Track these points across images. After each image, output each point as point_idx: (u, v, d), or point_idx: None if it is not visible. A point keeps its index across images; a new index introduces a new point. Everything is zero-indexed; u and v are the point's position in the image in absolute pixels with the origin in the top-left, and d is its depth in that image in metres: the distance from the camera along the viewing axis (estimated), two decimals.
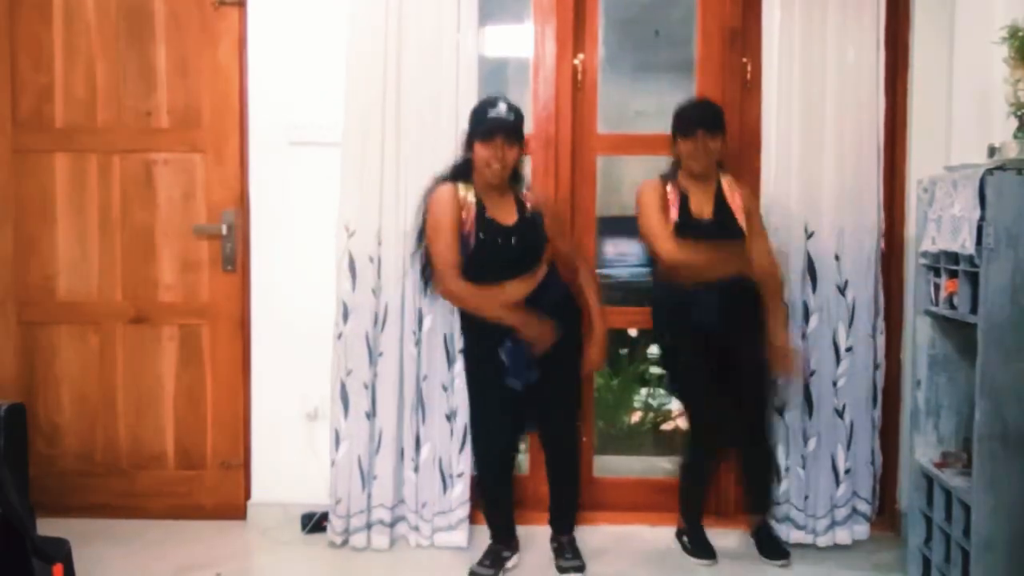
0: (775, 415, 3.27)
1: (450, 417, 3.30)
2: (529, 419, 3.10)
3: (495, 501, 3.16)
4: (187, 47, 3.48)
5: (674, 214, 3.08)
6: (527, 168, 3.08)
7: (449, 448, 3.31)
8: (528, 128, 3.47)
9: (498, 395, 2.98)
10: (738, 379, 3.12)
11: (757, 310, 3.12)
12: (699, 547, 3.25)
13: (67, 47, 3.49)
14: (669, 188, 3.12)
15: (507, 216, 2.94)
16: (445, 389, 3.29)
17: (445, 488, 3.32)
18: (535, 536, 3.29)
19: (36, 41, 3.49)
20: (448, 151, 3.21)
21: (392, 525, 3.33)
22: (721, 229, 3.08)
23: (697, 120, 3.08)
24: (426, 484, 3.30)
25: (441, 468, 3.32)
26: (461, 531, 3.30)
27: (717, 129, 3.08)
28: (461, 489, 3.31)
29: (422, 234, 2.96)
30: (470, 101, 3.18)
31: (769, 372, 3.16)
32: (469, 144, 2.90)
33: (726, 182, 3.15)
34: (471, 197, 2.91)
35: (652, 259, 3.15)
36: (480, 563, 3.09)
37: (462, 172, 2.95)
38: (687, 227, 3.07)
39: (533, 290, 2.94)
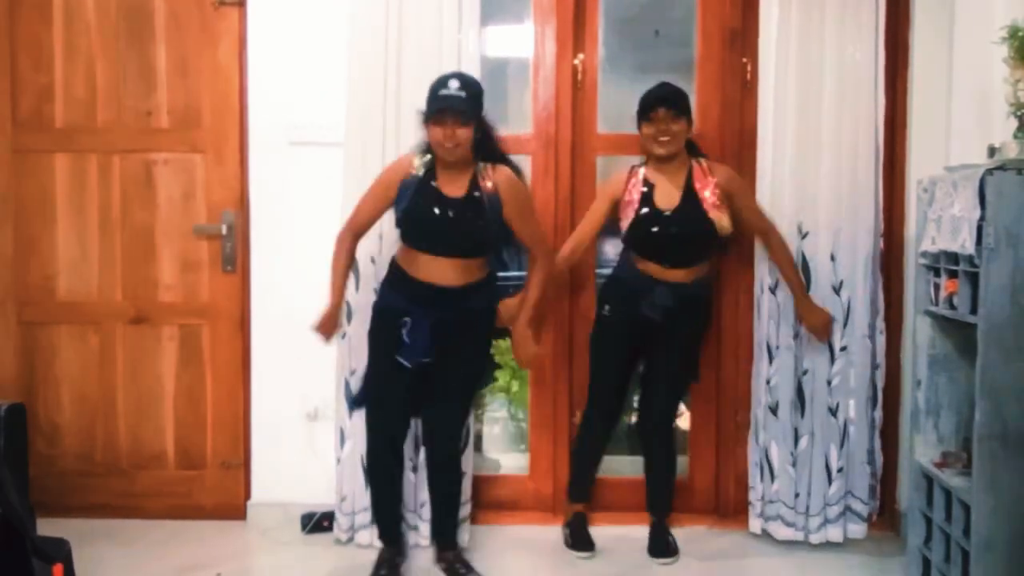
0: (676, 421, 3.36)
1: None
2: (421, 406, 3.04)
3: (380, 490, 3.08)
4: (187, 47, 3.48)
5: (632, 206, 3.09)
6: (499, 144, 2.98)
7: None
8: (528, 128, 3.49)
9: (394, 371, 2.91)
10: (657, 375, 3.24)
11: (700, 330, 3.26)
12: (579, 539, 3.28)
13: (67, 47, 3.49)
14: (632, 181, 3.11)
15: (454, 190, 2.86)
16: None
17: None
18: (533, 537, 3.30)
19: (36, 41, 3.49)
20: None
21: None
22: (684, 221, 3.06)
23: (657, 99, 3.05)
24: (424, 483, 3.28)
25: None
26: (463, 530, 3.28)
27: (679, 109, 3.05)
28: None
29: None
30: None
31: (683, 380, 3.29)
32: (425, 124, 2.84)
33: (699, 167, 3.12)
34: (421, 164, 2.89)
35: (624, 245, 3.21)
36: (375, 570, 3.04)
37: (429, 148, 2.91)
38: (649, 220, 3.07)
39: (465, 285, 2.89)
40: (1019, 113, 2.54)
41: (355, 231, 2.97)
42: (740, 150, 3.45)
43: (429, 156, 2.90)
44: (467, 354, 2.98)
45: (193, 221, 3.52)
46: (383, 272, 3.18)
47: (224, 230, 3.49)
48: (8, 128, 3.50)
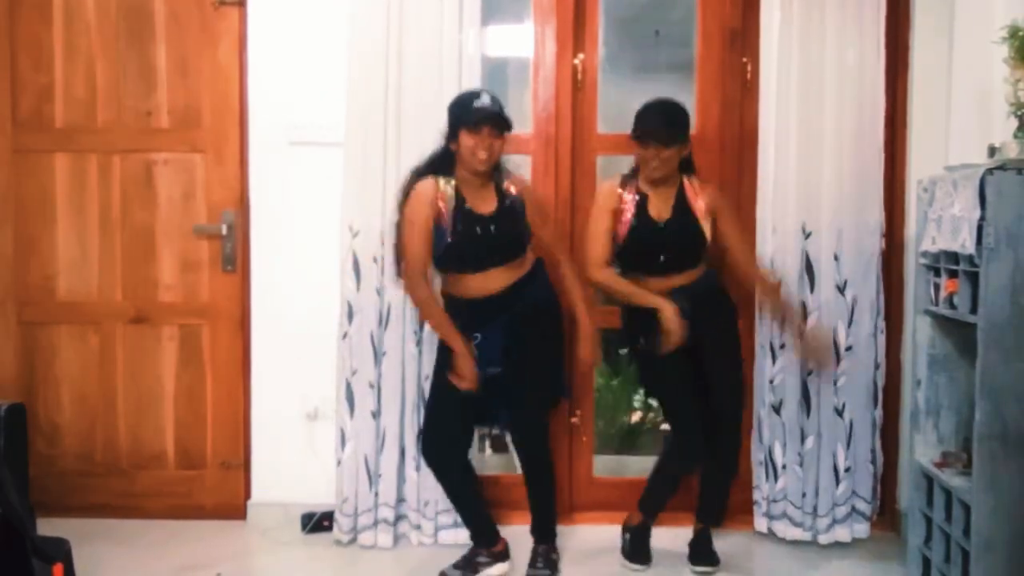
0: (740, 429, 3.18)
1: None
2: (487, 419, 3.10)
3: (457, 498, 3.12)
4: (187, 47, 3.48)
5: (627, 219, 3.02)
6: (518, 165, 3.10)
7: None
8: (528, 128, 3.49)
9: (456, 392, 2.94)
10: (710, 389, 3.08)
11: (731, 317, 3.15)
12: (637, 551, 3.20)
13: (67, 47, 3.49)
14: (626, 192, 3.05)
15: (486, 205, 2.92)
16: None
17: None
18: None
19: (36, 41, 3.49)
20: None
21: (396, 523, 3.33)
22: (679, 232, 3.02)
23: (650, 133, 2.97)
24: (428, 483, 3.28)
25: None
26: (464, 529, 3.30)
27: (673, 141, 2.97)
28: None
29: (399, 228, 2.96)
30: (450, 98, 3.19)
31: (741, 385, 3.16)
32: (453, 133, 2.87)
33: (689, 184, 3.07)
34: (450, 190, 2.90)
35: (621, 253, 3.08)
36: (453, 565, 3.07)
37: (442, 164, 2.93)
38: (643, 231, 3.02)
39: (516, 282, 2.94)
40: (1019, 113, 2.54)
41: (422, 270, 2.94)
42: (740, 150, 3.45)
43: (452, 179, 2.91)
44: (537, 356, 3.00)
45: (193, 221, 3.52)
46: (386, 271, 3.19)
47: (224, 230, 3.49)
48: (8, 128, 3.50)
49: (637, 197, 3.04)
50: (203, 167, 3.51)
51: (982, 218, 2.44)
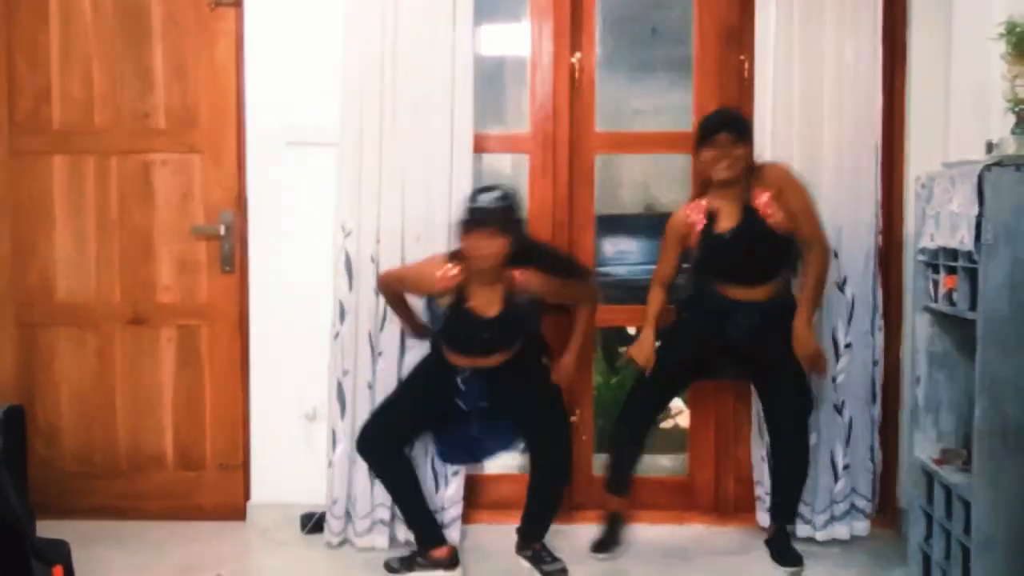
0: (808, 429, 3.19)
1: None
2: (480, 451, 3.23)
3: (396, 496, 3.16)
4: (184, 48, 3.48)
5: (697, 232, 3.07)
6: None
7: None
8: (525, 127, 3.49)
9: (419, 402, 3.09)
10: (775, 391, 3.14)
11: (783, 334, 3.10)
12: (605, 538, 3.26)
13: (64, 48, 3.49)
14: (691, 210, 3.10)
15: (489, 307, 2.95)
16: None
17: (438, 487, 3.32)
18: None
19: (33, 42, 3.48)
20: (444, 150, 3.24)
21: (391, 523, 3.32)
22: (744, 239, 3.02)
23: (717, 124, 3.02)
24: (426, 485, 3.28)
25: (434, 467, 3.32)
26: (454, 529, 3.30)
27: (741, 134, 3.02)
28: (455, 488, 3.31)
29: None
30: (466, 100, 3.23)
31: (806, 387, 3.15)
32: (462, 235, 2.91)
33: (757, 190, 3.03)
34: (456, 274, 2.93)
35: (694, 265, 3.17)
36: (399, 558, 3.13)
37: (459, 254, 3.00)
38: (710, 245, 3.06)
39: (508, 360, 3.04)
40: (1017, 109, 2.54)
41: (397, 281, 3.13)
42: None
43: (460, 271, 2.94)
44: (531, 393, 3.11)
45: (191, 222, 3.52)
46: (380, 271, 3.19)
47: (222, 230, 3.49)
48: (5, 130, 3.50)
49: (706, 212, 3.07)
50: (201, 168, 3.50)
51: (980, 214, 2.43)
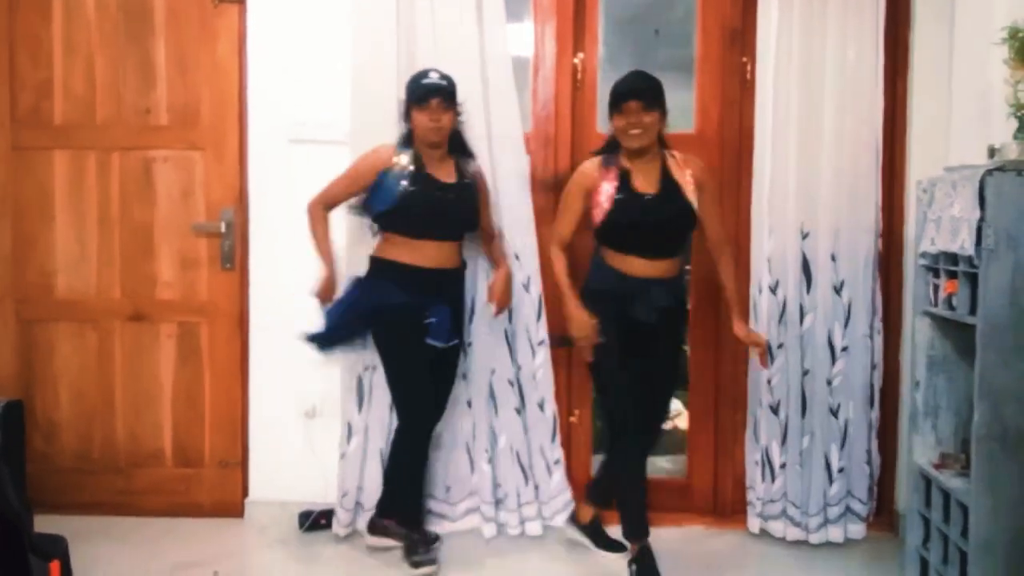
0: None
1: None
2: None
3: (415, 478, 3.19)
4: (186, 44, 3.48)
5: (610, 194, 2.90)
6: (467, 137, 3.15)
7: None
8: (527, 127, 3.49)
9: (421, 357, 3.07)
10: (649, 379, 3.01)
11: (684, 311, 3.17)
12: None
13: (66, 43, 3.49)
14: (604, 170, 2.95)
15: (446, 176, 3.07)
16: None
17: (473, 469, 3.38)
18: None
19: (35, 37, 3.48)
20: (483, 151, 3.25)
21: None
22: (666, 203, 2.91)
23: (628, 92, 2.88)
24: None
25: (469, 452, 3.38)
26: (461, 523, 3.33)
27: (651, 101, 2.88)
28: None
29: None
30: (510, 98, 3.30)
31: (676, 380, 3.15)
32: (407, 113, 3.02)
33: (672, 157, 2.99)
34: (407, 157, 3.02)
35: (596, 241, 3.01)
36: (415, 552, 3.11)
37: (405, 141, 3.06)
38: (629, 204, 2.90)
39: (458, 267, 3.13)
40: (1019, 114, 2.54)
41: (327, 204, 3.12)
42: (740, 150, 3.45)
43: (412, 151, 3.03)
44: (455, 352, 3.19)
45: (192, 219, 3.52)
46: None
47: (223, 228, 3.49)
48: (7, 125, 3.50)
49: (618, 173, 2.94)
50: (202, 165, 3.51)
51: (981, 219, 2.44)
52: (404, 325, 3.05)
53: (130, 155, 3.51)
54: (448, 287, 3.12)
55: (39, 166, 3.52)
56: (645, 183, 2.94)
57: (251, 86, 3.45)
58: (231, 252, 3.50)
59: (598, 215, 2.93)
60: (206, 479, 3.57)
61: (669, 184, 2.95)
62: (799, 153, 3.25)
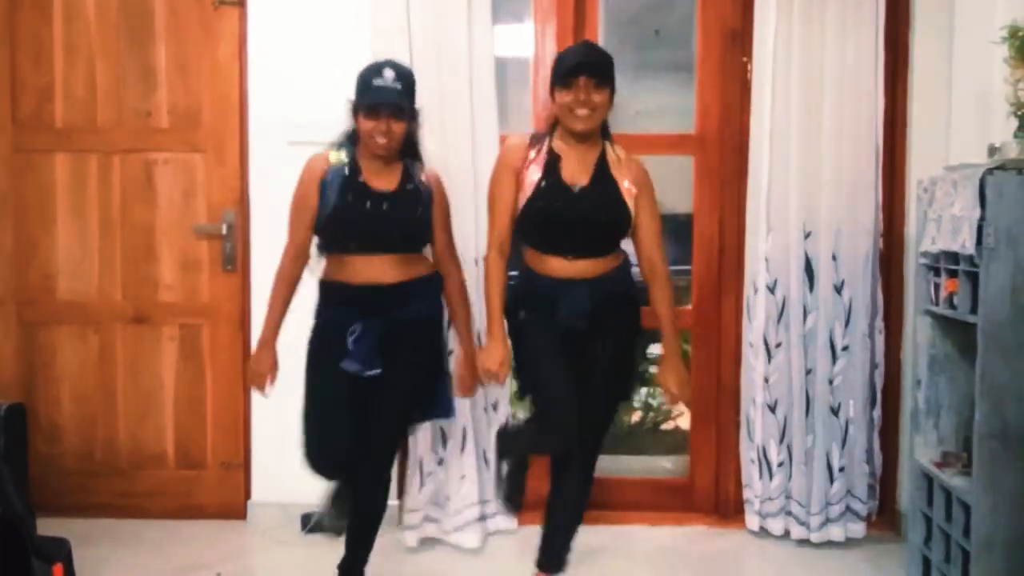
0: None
1: None
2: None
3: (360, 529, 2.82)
4: (187, 47, 3.48)
5: (533, 180, 2.54)
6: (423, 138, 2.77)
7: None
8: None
9: (337, 385, 2.65)
10: (588, 388, 2.58)
11: (631, 336, 2.68)
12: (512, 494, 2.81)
13: (67, 46, 3.49)
14: (533, 152, 2.57)
15: (384, 183, 2.62)
16: None
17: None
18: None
19: (36, 40, 3.49)
20: (465, 150, 3.25)
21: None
22: (597, 200, 2.53)
23: (579, 65, 2.48)
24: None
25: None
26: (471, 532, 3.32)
27: (604, 79, 2.50)
28: (467, 488, 3.34)
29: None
30: (489, 100, 3.27)
31: (624, 389, 2.74)
32: (354, 114, 2.62)
33: (612, 150, 2.61)
34: (342, 160, 2.64)
35: (520, 220, 2.60)
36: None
37: (349, 139, 2.69)
38: (551, 194, 2.52)
39: (407, 281, 2.63)
40: (1019, 113, 2.54)
41: (296, 254, 2.73)
42: (740, 150, 3.44)
43: (348, 150, 2.67)
44: (408, 369, 2.66)
45: (193, 221, 3.52)
46: None
47: (224, 230, 3.49)
48: (8, 127, 3.51)
49: (547, 156, 2.57)
50: (203, 167, 3.51)
51: (982, 218, 2.44)
52: (319, 348, 2.69)
53: (131, 157, 3.51)
54: (388, 307, 2.61)
55: (40, 169, 3.52)
56: (576, 173, 2.55)
57: (252, 88, 3.45)
58: (232, 254, 3.50)
59: (519, 202, 2.58)
60: (208, 481, 3.57)
61: (603, 178, 2.56)
62: (799, 153, 3.25)
